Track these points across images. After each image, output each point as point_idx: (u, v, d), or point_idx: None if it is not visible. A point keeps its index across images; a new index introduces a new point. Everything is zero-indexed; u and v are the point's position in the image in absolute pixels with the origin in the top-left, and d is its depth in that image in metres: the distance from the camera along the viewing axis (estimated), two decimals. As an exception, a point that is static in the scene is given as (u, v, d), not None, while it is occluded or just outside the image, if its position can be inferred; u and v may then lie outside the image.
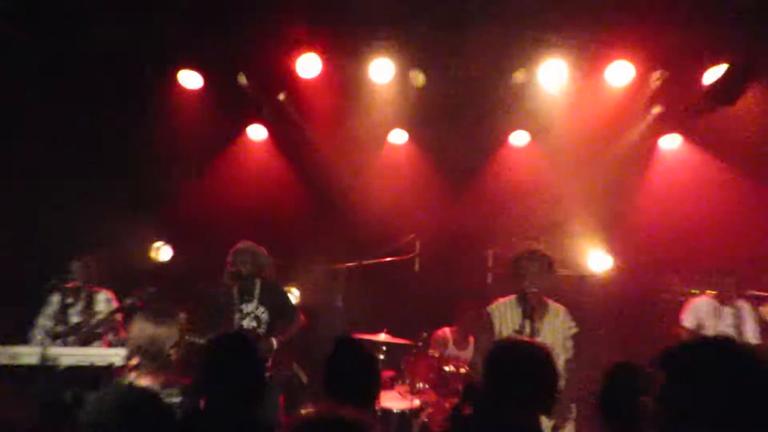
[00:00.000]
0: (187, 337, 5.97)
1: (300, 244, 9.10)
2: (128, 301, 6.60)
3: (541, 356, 3.04)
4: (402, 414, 7.22)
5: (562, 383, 5.18)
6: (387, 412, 7.19)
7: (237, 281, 6.30)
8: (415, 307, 8.85)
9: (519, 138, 9.06)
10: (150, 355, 3.37)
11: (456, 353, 8.19)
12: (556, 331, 5.29)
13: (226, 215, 9.07)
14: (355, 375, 3.43)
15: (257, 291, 6.44)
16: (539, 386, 2.99)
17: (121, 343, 6.90)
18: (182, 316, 3.58)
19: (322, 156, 9.04)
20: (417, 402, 7.20)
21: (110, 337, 6.96)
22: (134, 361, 3.37)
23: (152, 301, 6.47)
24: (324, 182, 9.14)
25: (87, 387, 6.32)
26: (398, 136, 9.23)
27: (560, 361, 5.23)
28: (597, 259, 8.75)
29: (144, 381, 3.35)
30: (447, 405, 6.97)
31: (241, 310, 6.32)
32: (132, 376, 3.31)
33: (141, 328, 3.42)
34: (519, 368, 3.00)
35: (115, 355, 6.10)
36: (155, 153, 8.77)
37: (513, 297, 5.40)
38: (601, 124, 8.54)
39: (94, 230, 7.99)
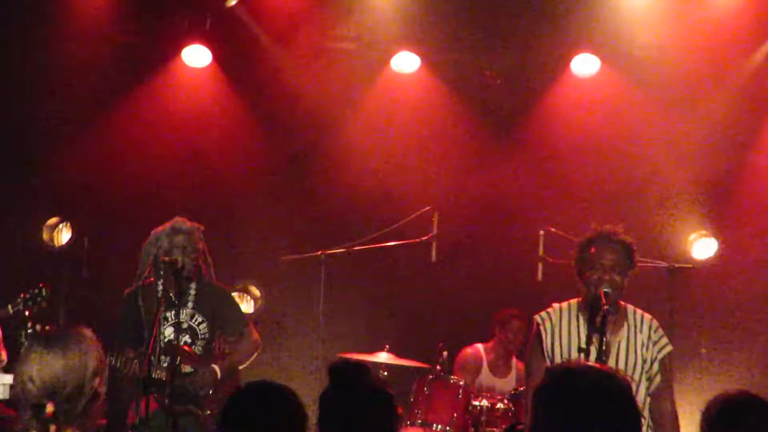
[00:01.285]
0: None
1: (259, 222, 9.15)
2: (10, 308, 6.75)
3: (619, 393, 3.11)
4: (412, 469, 7.38)
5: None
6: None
7: (168, 277, 6.41)
8: (432, 315, 8.93)
9: (585, 64, 9.10)
10: (68, 395, 3.54)
11: (492, 381, 8.31)
12: (636, 351, 5.44)
13: (150, 179, 9.14)
14: (363, 425, 3.55)
15: (192, 292, 6.57)
16: None
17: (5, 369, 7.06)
18: (90, 332, 3.72)
19: (293, 89, 9.06)
20: (434, 452, 7.41)
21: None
22: (50, 408, 3.52)
23: (42, 309, 6.62)
24: (295, 128, 9.20)
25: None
26: (405, 62, 9.24)
27: (639, 395, 5.40)
28: (695, 243, 8.92)
29: None
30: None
31: (166, 319, 6.45)
32: (51, 429, 3.46)
33: (43, 363, 3.57)
34: (582, 411, 2.99)
35: (-6, 385, 6.24)
36: (37, 88, 8.83)
37: (574, 301, 5.51)
38: (706, 45, 8.58)
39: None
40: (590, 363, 4.13)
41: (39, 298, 6.72)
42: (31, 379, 3.52)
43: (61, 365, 3.52)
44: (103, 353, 3.64)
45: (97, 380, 3.56)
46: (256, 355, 6.74)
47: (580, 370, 3.16)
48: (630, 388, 3.09)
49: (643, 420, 5.26)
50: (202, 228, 6.60)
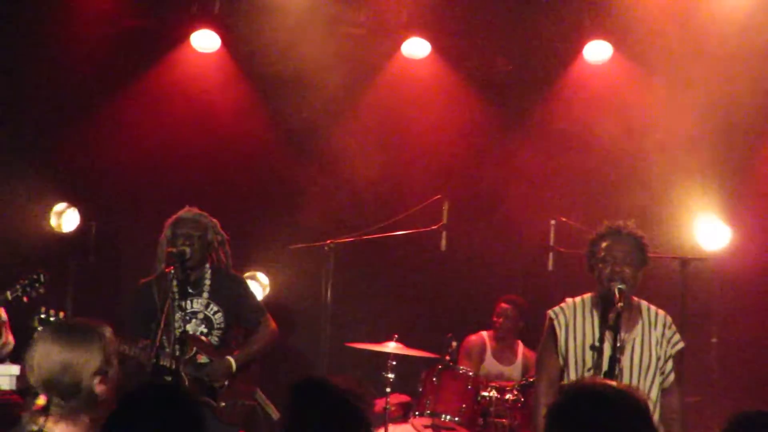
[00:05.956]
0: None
1: (267, 211, 9.15)
2: (9, 294, 6.72)
3: (636, 413, 2.98)
4: (419, 461, 7.39)
5: None
6: (397, 457, 7.37)
7: (177, 267, 6.33)
8: (441, 303, 8.93)
9: (596, 51, 9.03)
10: (62, 391, 3.44)
11: (498, 369, 8.30)
12: (651, 349, 5.37)
13: (158, 166, 9.12)
14: None
15: (207, 282, 6.55)
16: None
17: (9, 356, 7.04)
18: (107, 330, 3.61)
19: (303, 76, 8.96)
20: (442, 442, 7.38)
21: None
22: (41, 401, 3.43)
23: (41, 294, 6.60)
24: (304, 115, 9.13)
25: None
26: (416, 47, 9.17)
27: (652, 393, 5.37)
28: (709, 234, 8.84)
29: (59, 429, 3.41)
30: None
31: (182, 309, 6.41)
32: (41, 422, 3.37)
33: (45, 353, 3.48)
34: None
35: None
36: (44, 74, 8.77)
37: (588, 296, 5.45)
38: (725, 27, 8.46)
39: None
40: (606, 381, 4.07)
41: (37, 284, 6.71)
42: (32, 368, 3.47)
43: (60, 360, 3.44)
44: (115, 351, 3.54)
45: (97, 379, 3.46)
46: (273, 344, 6.70)
47: (595, 389, 3.08)
48: (648, 407, 3.00)
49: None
50: (215, 221, 6.59)
